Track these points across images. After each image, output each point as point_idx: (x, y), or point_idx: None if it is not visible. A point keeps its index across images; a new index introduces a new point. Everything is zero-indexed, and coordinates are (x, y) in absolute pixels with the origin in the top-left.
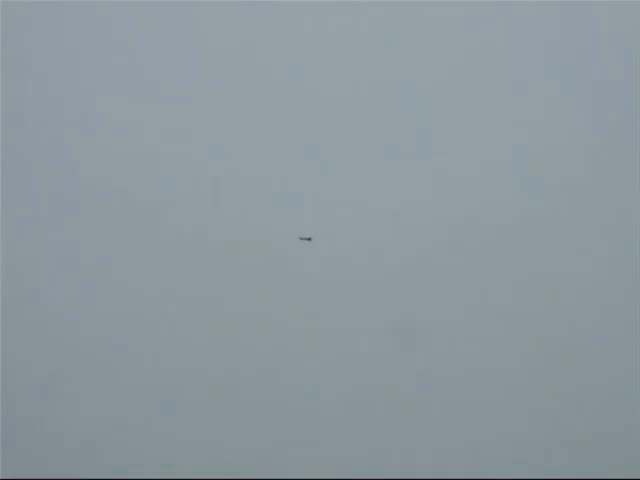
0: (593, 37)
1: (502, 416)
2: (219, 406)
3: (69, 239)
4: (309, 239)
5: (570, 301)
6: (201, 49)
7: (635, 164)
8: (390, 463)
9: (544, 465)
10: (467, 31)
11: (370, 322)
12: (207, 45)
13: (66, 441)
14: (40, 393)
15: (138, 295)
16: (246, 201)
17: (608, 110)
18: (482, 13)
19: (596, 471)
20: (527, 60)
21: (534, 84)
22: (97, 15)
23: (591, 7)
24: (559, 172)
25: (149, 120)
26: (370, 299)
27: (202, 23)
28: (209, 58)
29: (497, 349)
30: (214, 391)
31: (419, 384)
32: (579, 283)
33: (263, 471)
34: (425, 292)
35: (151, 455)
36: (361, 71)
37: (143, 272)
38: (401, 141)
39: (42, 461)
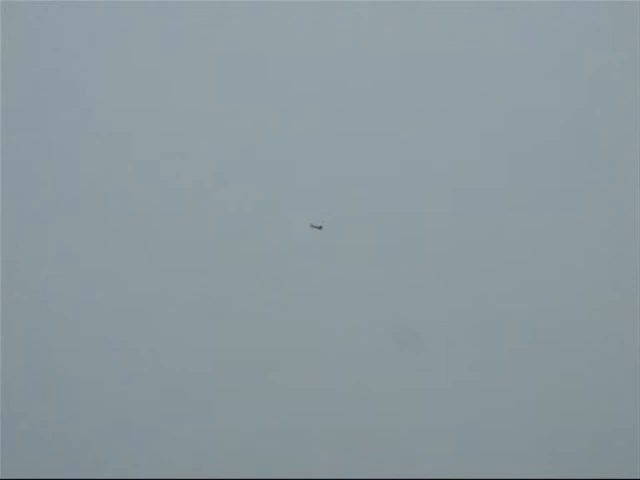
0: (593, 34)
1: (502, 416)
2: (219, 406)
3: (69, 239)
4: (320, 227)
5: (570, 301)
6: (201, 49)
7: (635, 163)
8: (390, 463)
9: (544, 465)
10: (467, 29)
11: (370, 322)
12: (207, 45)
13: (66, 441)
14: (40, 393)
15: (138, 295)
16: (246, 201)
17: (608, 109)
18: (481, 11)
19: (596, 471)
20: (527, 56)
21: (534, 84)
22: (97, 15)
23: (591, 7)
24: (559, 172)
25: (149, 120)
26: (370, 299)
27: (202, 23)
28: (209, 58)
29: (497, 349)
30: (214, 391)
31: (419, 384)
32: (579, 283)
33: (263, 471)
34: (425, 292)
35: (151, 455)
36: (360, 71)
37: (143, 272)
38: (401, 141)
39: (42, 461)
